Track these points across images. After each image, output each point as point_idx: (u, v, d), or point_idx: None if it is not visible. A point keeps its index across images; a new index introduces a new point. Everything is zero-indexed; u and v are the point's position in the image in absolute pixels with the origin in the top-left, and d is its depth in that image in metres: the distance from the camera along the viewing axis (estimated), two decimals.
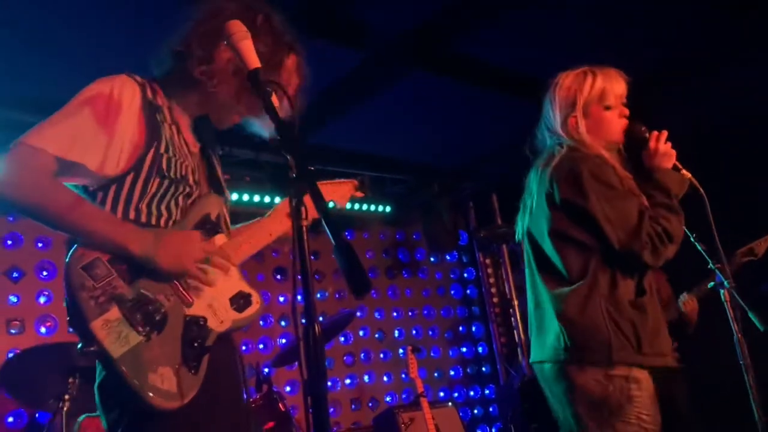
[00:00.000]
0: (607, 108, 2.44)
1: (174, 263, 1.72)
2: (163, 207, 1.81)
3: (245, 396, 2.08)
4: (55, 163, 1.68)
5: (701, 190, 2.44)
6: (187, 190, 1.87)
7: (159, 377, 1.62)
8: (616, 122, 2.44)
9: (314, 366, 1.25)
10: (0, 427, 4.54)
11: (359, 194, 2.49)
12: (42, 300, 4.94)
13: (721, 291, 3.47)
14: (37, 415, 4.55)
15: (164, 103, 1.91)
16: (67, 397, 3.51)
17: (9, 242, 4.92)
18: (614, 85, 2.47)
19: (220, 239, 1.92)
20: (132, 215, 1.77)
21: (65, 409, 3.50)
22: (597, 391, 2.22)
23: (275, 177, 5.53)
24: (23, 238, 4.97)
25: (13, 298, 4.84)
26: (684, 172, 2.43)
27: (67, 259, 1.67)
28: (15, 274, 4.87)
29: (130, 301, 1.65)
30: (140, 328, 1.64)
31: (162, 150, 1.82)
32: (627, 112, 2.48)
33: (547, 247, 2.38)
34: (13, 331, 4.76)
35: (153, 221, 1.80)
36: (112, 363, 1.58)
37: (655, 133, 2.42)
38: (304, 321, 1.35)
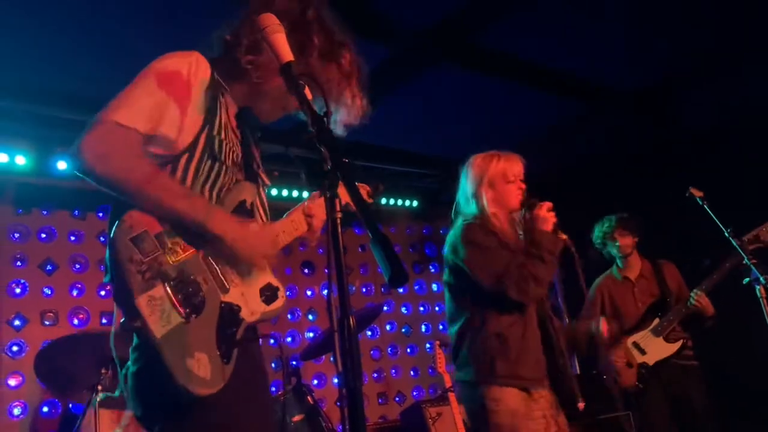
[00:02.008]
0: (508, 182, 3.08)
1: (248, 252, 1.75)
2: (214, 191, 1.81)
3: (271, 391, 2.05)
4: (143, 140, 1.70)
5: (573, 249, 3.05)
6: (231, 176, 1.87)
7: (196, 362, 1.60)
8: (514, 193, 3.08)
9: (349, 358, 1.24)
10: (35, 416, 4.64)
11: (370, 201, 2.49)
12: (75, 292, 5.03)
13: (757, 287, 3.42)
14: (70, 405, 4.64)
15: (224, 84, 1.92)
16: (100, 387, 3.56)
17: (43, 236, 5.02)
18: (513, 166, 3.10)
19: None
20: None
21: (98, 399, 3.55)
22: (468, 402, 2.95)
23: (310, 170, 5.54)
24: (57, 232, 5.06)
25: (47, 291, 4.93)
26: (561, 234, 2.99)
27: (113, 231, 1.62)
28: (49, 267, 4.97)
29: (174, 280, 1.62)
30: (181, 309, 1.61)
31: (215, 132, 1.82)
32: (524, 186, 3.11)
33: (446, 293, 3.17)
34: (47, 323, 4.86)
35: None
36: (153, 342, 1.55)
37: (541, 203, 3.01)
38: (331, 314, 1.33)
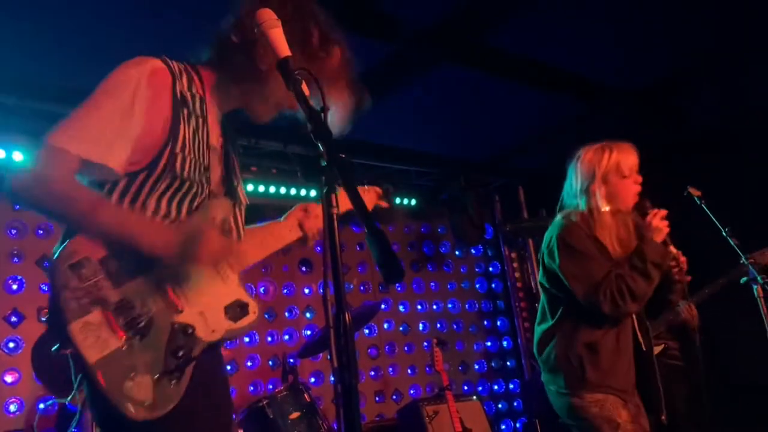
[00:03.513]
0: (623, 177, 2.87)
1: (195, 260, 1.69)
2: (172, 205, 1.75)
3: (231, 412, 2.01)
4: (77, 163, 1.63)
5: (683, 264, 2.92)
6: (198, 190, 1.80)
7: (135, 385, 1.56)
8: (631, 188, 2.88)
9: (344, 355, 1.23)
10: (31, 413, 4.62)
11: (384, 204, 2.46)
12: None
13: (754, 287, 3.42)
14: (67, 402, 4.63)
15: (199, 92, 1.85)
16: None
17: (40, 232, 5.01)
18: (627, 158, 2.91)
19: None
20: (137, 210, 1.73)
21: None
22: (558, 405, 2.89)
23: (306, 168, 5.54)
24: (54, 229, 5.05)
25: (44, 287, 4.92)
26: (671, 248, 2.82)
27: (55, 256, 1.61)
28: (46, 264, 4.95)
29: (114, 305, 1.59)
30: (121, 333, 1.57)
31: (178, 150, 1.75)
32: (640, 179, 2.90)
33: (541, 294, 3.03)
34: (44, 319, 4.84)
35: (157, 217, 1.74)
36: (86, 368, 1.53)
37: (655, 210, 2.83)
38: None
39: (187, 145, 1.78)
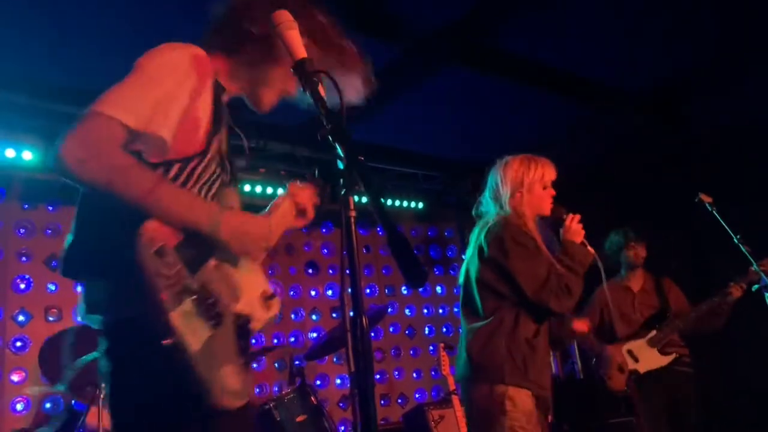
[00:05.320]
0: (545, 188, 3.08)
1: (241, 244, 1.66)
2: (210, 194, 1.73)
3: None
4: (126, 134, 1.54)
5: (600, 263, 3.04)
6: (225, 179, 1.81)
7: (226, 374, 1.57)
8: (548, 198, 3.09)
9: (362, 359, 1.23)
10: (37, 412, 4.63)
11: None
12: (79, 288, 5.00)
13: (766, 294, 3.41)
14: (73, 401, 4.63)
15: (221, 81, 1.84)
16: (103, 384, 3.54)
17: (48, 231, 5.01)
18: (549, 172, 3.11)
19: None
20: None
21: (102, 396, 3.54)
22: (483, 403, 2.83)
23: (321, 168, 5.53)
24: (63, 228, 5.05)
25: (52, 287, 4.93)
26: (589, 248, 3.00)
27: (135, 245, 1.49)
28: (54, 263, 4.96)
29: (196, 293, 1.56)
30: (206, 322, 1.56)
31: (222, 136, 1.76)
32: (554, 193, 3.11)
33: (472, 289, 3.01)
34: (51, 319, 4.85)
35: None
36: (187, 357, 1.48)
37: (571, 215, 3.03)
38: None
39: (224, 133, 1.79)
